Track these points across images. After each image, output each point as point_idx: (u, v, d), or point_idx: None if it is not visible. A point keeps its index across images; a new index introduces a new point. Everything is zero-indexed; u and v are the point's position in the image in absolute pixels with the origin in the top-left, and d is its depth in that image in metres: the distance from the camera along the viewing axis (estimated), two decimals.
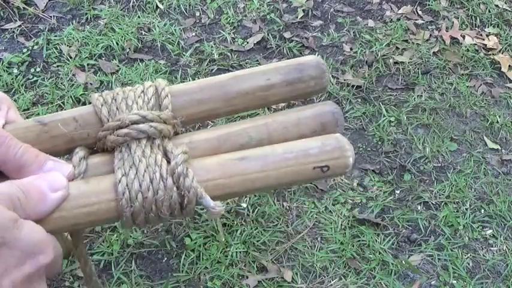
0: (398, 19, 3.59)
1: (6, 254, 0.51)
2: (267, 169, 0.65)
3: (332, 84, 3.19)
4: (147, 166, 0.64)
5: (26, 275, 0.51)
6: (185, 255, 2.50)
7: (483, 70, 3.36)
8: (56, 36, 3.31)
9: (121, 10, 3.47)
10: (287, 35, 3.44)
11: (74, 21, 3.40)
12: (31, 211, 0.55)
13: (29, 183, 0.56)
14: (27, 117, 2.85)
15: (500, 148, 3.03)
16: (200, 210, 2.52)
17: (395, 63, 3.35)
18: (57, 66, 3.16)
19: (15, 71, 3.12)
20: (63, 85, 3.06)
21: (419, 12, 3.66)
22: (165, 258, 2.51)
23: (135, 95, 0.69)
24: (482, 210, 2.78)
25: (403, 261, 2.58)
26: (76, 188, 0.62)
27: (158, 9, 3.51)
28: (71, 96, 2.99)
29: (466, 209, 2.77)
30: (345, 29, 3.52)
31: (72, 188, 0.62)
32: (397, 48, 3.43)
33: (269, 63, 3.14)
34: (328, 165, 0.67)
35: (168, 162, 0.65)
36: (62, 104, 2.96)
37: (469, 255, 2.64)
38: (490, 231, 2.72)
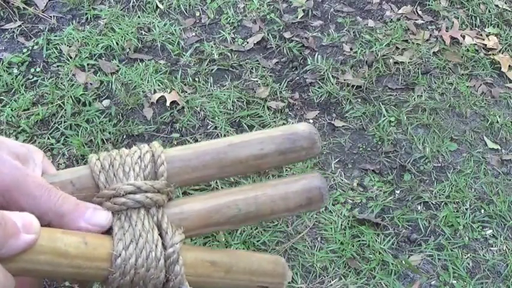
0: (398, 19, 3.59)
1: None
2: (227, 277, 0.72)
3: (332, 84, 3.19)
4: (145, 242, 0.67)
5: None
6: None
7: (483, 70, 3.36)
8: (56, 36, 3.31)
9: (121, 10, 3.47)
10: (287, 35, 3.44)
11: (74, 21, 3.41)
12: (3, 243, 0.55)
13: (6, 216, 0.56)
14: (27, 117, 2.85)
15: (500, 148, 3.03)
16: None
17: (395, 63, 3.35)
18: (57, 66, 3.16)
19: (15, 71, 3.13)
20: (63, 85, 3.06)
21: (419, 12, 3.67)
22: None
23: (132, 161, 0.71)
24: (482, 210, 2.78)
25: (403, 261, 2.58)
26: (76, 247, 0.63)
27: (158, 9, 3.51)
28: (71, 96, 3.00)
29: (466, 209, 2.77)
30: (345, 29, 3.52)
31: (72, 246, 0.63)
32: (397, 48, 3.43)
33: (268, 62, 3.15)
34: (268, 287, 0.75)
35: (161, 237, 0.68)
36: (62, 104, 2.97)
37: (469, 255, 2.64)
38: (490, 231, 2.72)
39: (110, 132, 2.90)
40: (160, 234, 0.67)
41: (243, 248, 2.54)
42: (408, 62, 3.35)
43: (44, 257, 0.59)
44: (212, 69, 3.22)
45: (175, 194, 0.73)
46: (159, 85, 3.12)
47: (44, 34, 3.30)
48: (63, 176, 0.70)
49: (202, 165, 0.72)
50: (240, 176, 0.74)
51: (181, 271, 0.66)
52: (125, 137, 2.91)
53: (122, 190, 0.68)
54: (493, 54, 3.46)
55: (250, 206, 0.73)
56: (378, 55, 3.37)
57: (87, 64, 3.18)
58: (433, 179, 2.87)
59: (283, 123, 2.98)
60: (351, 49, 3.41)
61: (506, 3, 3.74)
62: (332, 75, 3.24)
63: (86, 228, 0.64)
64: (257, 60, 3.29)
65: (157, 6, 3.52)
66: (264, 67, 3.25)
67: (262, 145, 0.73)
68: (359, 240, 2.63)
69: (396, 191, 2.82)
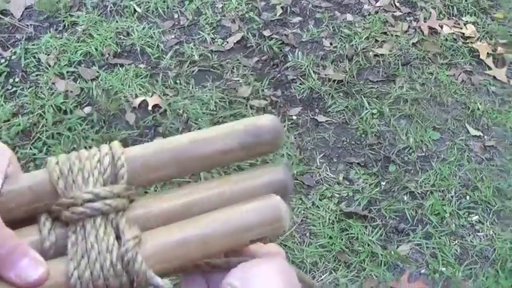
0: (377, 12, 3.60)
1: None
2: (205, 248, 0.68)
3: (314, 80, 3.20)
4: (98, 253, 0.65)
5: None
6: None
7: (462, 58, 3.38)
8: (33, 45, 3.29)
9: (98, 16, 3.46)
10: (266, 33, 3.44)
11: (52, 29, 3.39)
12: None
13: None
14: (7, 129, 2.84)
15: (482, 135, 3.04)
16: None
17: (376, 55, 3.36)
18: (36, 75, 3.15)
19: None
20: (43, 94, 3.05)
21: (397, 4, 3.68)
22: None
23: (91, 165, 0.69)
24: (468, 197, 2.79)
25: (392, 252, 2.59)
26: None
27: (136, 13, 3.50)
28: (51, 105, 2.98)
29: (452, 197, 2.78)
30: (324, 24, 3.52)
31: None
32: (377, 40, 3.44)
33: (249, 60, 3.15)
34: (265, 236, 0.69)
35: (119, 240, 0.66)
36: (42, 114, 2.95)
37: (456, 241, 2.65)
38: (476, 217, 2.73)
39: (92, 139, 2.89)
40: (118, 238, 0.66)
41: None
42: (388, 54, 3.36)
43: None
44: (193, 71, 3.22)
45: (139, 194, 0.72)
46: (140, 89, 3.11)
47: (21, 43, 3.29)
48: (22, 183, 0.68)
49: (163, 164, 0.70)
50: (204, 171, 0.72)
51: (142, 267, 0.63)
52: (108, 143, 2.90)
53: (80, 199, 0.66)
54: (471, 42, 3.47)
55: (216, 205, 0.71)
56: (357, 49, 3.38)
57: (67, 72, 3.16)
58: (418, 169, 2.88)
59: None
60: (331, 44, 3.42)
61: None
62: (313, 71, 3.24)
63: (13, 281, 0.60)
64: (238, 60, 3.29)
65: (135, 10, 3.51)
66: (245, 66, 3.25)
67: (225, 140, 0.72)
68: (347, 234, 2.64)
69: (382, 183, 2.82)
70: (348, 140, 2.98)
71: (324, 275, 2.53)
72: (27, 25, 3.40)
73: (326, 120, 3.04)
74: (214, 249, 0.68)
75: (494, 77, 3.31)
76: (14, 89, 3.09)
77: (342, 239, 2.62)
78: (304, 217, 2.69)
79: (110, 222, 0.67)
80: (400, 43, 3.42)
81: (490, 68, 3.35)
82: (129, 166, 0.70)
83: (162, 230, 0.69)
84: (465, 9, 3.67)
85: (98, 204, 0.66)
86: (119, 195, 0.68)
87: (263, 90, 3.14)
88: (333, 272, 2.54)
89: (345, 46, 3.40)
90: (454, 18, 3.62)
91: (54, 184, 0.68)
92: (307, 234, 2.65)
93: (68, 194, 0.67)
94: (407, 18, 3.61)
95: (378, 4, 3.66)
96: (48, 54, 3.24)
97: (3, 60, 3.21)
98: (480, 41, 3.49)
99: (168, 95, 3.10)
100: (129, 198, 0.69)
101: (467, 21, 3.60)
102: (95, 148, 0.72)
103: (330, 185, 2.81)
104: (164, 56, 3.28)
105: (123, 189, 0.68)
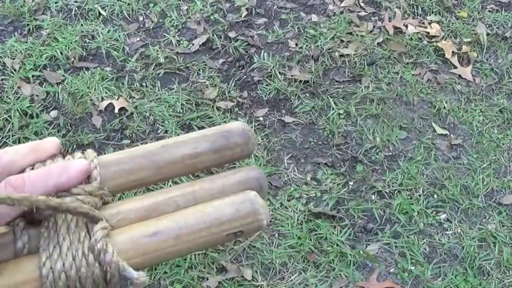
0: (342, 12, 3.62)
1: None
2: (180, 242, 0.67)
3: (280, 80, 3.20)
4: (70, 244, 0.64)
5: None
6: None
7: (427, 58, 3.40)
8: None
9: (63, 19, 3.43)
10: (232, 34, 3.44)
11: (16, 33, 3.36)
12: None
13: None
14: None
15: (448, 133, 3.06)
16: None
17: (341, 56, 3.37)
18: (2, 79, 3.11)
19: None
20: (9, 98, 3.02)
21: (362, 4, 3.69)
22: None
23: None
24: (435, 196, 2.81)
25: (361, 251, 2.60)
26: None
27: (101, 16, 3.48)
28: (17, 109, 2.95)
29: (419, 196, 2.80)
30: (289, 25, 3.53)
31: None
32: (342, 41, 3.46)
33: (215, 62, 3.14)
34: (242, 230, 0.68)
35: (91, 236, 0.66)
36: (8, 118, 2.92)
37: (425, 240, 2.67)
38: (444, 215, 2.76)
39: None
40: (89, 232, 0.66)
41: (201, 250, 2.53)
42: (354, 54, 3.38)
43: None
44: (159, 73, 3.21)
45: (112, 199, 0.72)
46: (106, 92, 3.09)
47: None
48: None
49: (137, 168, 0.71)
50: (178, 177, 0.72)
51: (113, 258, 0.63)
52: (75, 147, 2.88)
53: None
54: (436, 41, 3.50)
55: (188, 202, 0.71)
56: (323, 49, 3.39)
57: (32, 76, 3.14)
58: (385, 168, 2.90)
59: None
60: (297, 45, 3.43)
61: None
62: (279, 72, 3.25)
63: None
64: (203, 62, 3.28)
65: (100, 13, 3.49)
66: (211, 68, 3.25)
67: (196, 144, 0.72)
68: (316, 234, 2.65)
69: (350, 183, 2.84)
70: (315, 141, 2.98)
71: (294, 276, 2.53)
72: None
73: (293, 121, 3.05)
74: (189, 243, 0.68)
75: (460, 76, 3.34)
76: None
77: (310, 240, 2.63)
78: (272, 218, 2.69)
79: (82, 219, 0.67)
80: (365, 43, 3.44)
81: (455, 67, 3.37)
82: (102, 170, 0.70)
83: (136, 225, 0.69)
84: (429, 9, 3.70)
85: (70, 199, 0.66)
86: (91, 194, 0.68)
87: (229, 92, 3.14)
88: (302, 272, 2.54)
89: (310, 47, 3.40)
90: (418, 17, 3.65)
91: None
92: (276, 235, 2.65)
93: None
94: (372, 18, 3.63)
95: (342, 4, 3.68)
96: (13, 59, 3.21)
97: None
98: (445, 40, 3.52)
99: (134, 97, 3.08)
100: (101, 198, 0.69)
101: (431, 20, 3.63)
102: (69, 155, 0.72)
103: (297, 186, 2.81)
104: (130, 58, 3.27)
105: (96, 188, 0.69)
